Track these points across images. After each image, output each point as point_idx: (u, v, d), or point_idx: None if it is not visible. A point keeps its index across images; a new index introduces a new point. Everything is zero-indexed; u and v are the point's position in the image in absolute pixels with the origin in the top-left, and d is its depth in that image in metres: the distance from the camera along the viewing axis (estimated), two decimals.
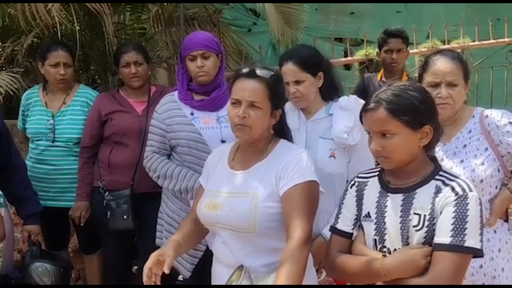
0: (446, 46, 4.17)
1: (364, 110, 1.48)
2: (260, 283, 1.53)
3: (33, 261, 2.49)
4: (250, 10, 5.88)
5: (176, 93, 2.37)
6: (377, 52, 3.25)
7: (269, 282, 1.52)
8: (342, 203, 1.59)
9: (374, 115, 1.43)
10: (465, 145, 1.83)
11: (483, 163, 1.79)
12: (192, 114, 2.29)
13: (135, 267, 3.00)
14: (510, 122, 1.79)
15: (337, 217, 1.59)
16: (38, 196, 2.60)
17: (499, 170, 1.81)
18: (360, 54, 4.49)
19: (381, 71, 3.28)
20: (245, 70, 1.66)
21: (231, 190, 1.66)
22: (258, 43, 4.71)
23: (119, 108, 2.65)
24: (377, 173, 1.56)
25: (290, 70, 1.99)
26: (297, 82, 2.00)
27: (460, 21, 4.64)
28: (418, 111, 1.42)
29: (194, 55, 2.26)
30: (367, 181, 1.56)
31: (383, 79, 3.20)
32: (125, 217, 2.51)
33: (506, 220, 1.85)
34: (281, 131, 1.74)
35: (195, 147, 2.23)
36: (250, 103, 1.61)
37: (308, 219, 1.55)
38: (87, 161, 2.68)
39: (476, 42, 4.27)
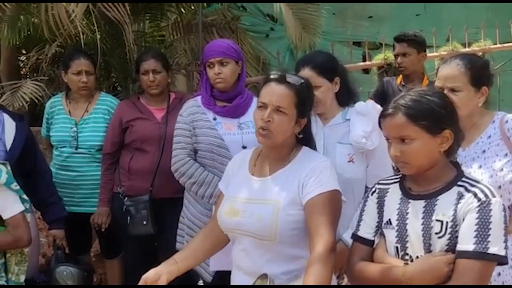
0: (466, 49, 4.10)
1: (383, 115, 1.47)
2: None
3: (58, 265, 2.54)
4: (268, 16, 5.90)
5: (199, 98, 2.39)
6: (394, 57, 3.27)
7: None
8: (363, 210, 1.58)
9: (392, 121, 1.43)
10: (484, 151, 1.81)
11: (502, 169, 1.76)
12: (214, 119, 2.32)
13: None
14: None
15: (358, 225, 1.58)
16: (63, 201, 2.65)
17: None
18: (378, 58, 4.45)
19: (400, 75, 3.27)
20: (275, 75, 1.66)
21: (252, 196, 1.65)
22: (275, 48, 4.71)
23: (140, 115, 2.69)
24: (398, 180, 1.54)
25: (307, 75, 1.99)
26: (314, 88, 2.00)
27: (481, 23, 4.57)
28: (437, 116, 1.41)
29: (212, 62, 2.29)
30: (388, 188, 1.55)
31: (403, 83, 3.18)
32: (144, 222, 2.54)
33: None
34: (305, 140, 1.72)
35: (217, 152, 2.25)
36: (276, 107, 1.60)
37: (333, 229, 1.54)
38: (109, 168, 2.72)
39: (498, 45, 4.19)
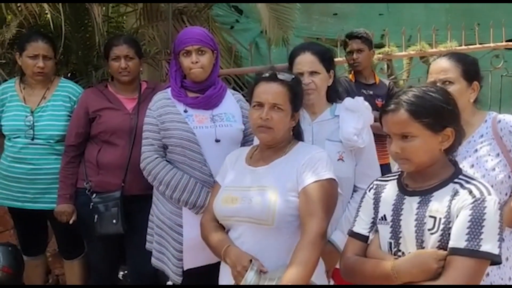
0: (433, 50, 4.18)
1: (384, 111, 1.44)
2: (268, 278, 1.52)
3: None
4: (233, 8, 5.77)
5: (169, 90, 2.24)
6: (345, 55, 3.36)
7: (277, 274, 1.52)
8: (360, 206, 1.58)
9: (394, 117, 1.40)
10: (476, 150, 1.81)
11: (494, 169, 1.77)
12: (185, 111, 2.16)
13: (121, 272, 2.86)
14: None
15: (354, 220, 1.58)
16: None
17: (509, 177, 1.79)
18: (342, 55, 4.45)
19: (352, 73, 3.37)
20: (266, 74, 1.72)
21: (250, 184, 1.68)
22: (240, 40, 4.62)
23: (108, 105, 2.50)
24: (396, 177, 1.53)
25: (308, 60, 1.95)
26: (313, 73, 1.95)
27: (440, 25, 4.69)
28: (440, 114, 1.39)
29: (188, 50, 2.14)
30: (386, 184, 1.54)
31: (357, 79, 3.30)
32: (114, 221, 2.36)
33: None
34: (298, 133, 1.79)
35: (188, 147, 2.10)
36: (273, 105, 1.66)
37: (325, 217, 1.59)
38: (72, 161, 2.51)
39: (463, 47, 4.32)
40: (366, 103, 2.03)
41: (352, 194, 1.95)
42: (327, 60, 1.98)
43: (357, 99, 2.02)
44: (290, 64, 2.00)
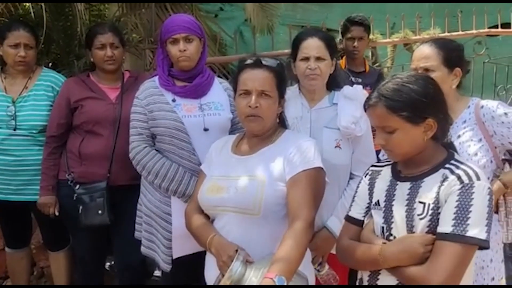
0: (417, 37, 4.20)
1: (367, 104, 1.46)
2: (254, 268, 1.51)
3: None
4: None
5: (156, 78, 2.21)
6: (340, 40, 3.23)
7: (263, 263, 1.51)
8: (356, 192, 1.59)
9: (374, 111, 1.43)
10: (459, 136, 1.83)
11: (476, 154, 1.79)
12: (174, 100, 2.14)
13: (108, 263, 2.85)
14: (505, 113, 1.80)
15: (350, 205, 1.59)
16: None
17: (491, 161, 1.82)
18: None
19: (343, 59, 3.28)
20: (250, 61, 1.67)
21: (237, 173, 1.64)
22: (225, 29, 4.57)
23: (91, 94, 2.46)
24: (391, 163, 1.55)
25: (315, 44, 1.93)
26: (319, 59, 1.94)
27: (424, 12, 4.69)
28: (418, 106, 1.39)
29: (176, 38, 2.11)
30: (381, 170, 1.56)
31: (347, 66, 3.22)
32: (100, 211, 2.33)
33: (496, 212, 1.86)
34: (283, 120, 1.77)
35: (177, 137, 2.08)
36: (261, 92, 1.62)
37: (313, 205, 1.57)
38: (54, 152, 2.47)
39: (446, 33, 4.34)
40: (365, 92, 2.04)
41: (349, 181, 1.96)
42: (332, 47, 1.97)
43: (355, 88, 2.02)
44: (294, 49, 1.98)
